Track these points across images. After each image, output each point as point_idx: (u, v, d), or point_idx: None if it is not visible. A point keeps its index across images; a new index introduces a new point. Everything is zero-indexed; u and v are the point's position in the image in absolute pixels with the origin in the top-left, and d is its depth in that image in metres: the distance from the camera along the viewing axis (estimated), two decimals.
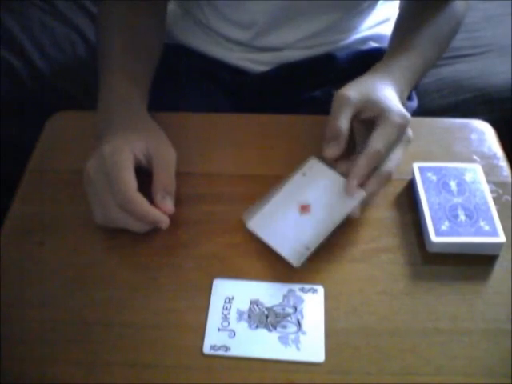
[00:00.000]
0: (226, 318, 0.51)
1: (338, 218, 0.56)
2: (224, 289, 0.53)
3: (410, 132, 0.59)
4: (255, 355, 0.49)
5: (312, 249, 0.55)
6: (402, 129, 0.57)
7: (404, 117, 0.57)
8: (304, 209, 0.57)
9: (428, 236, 0.55)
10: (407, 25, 0.71)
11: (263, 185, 0.61)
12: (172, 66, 0.82)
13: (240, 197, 0.61)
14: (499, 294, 0.53)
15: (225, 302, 0.52)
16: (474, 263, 0.55)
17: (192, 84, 0.80)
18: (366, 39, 0.82)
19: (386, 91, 0.60)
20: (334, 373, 0.48)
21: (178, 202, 0.59)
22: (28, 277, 0.55)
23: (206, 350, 0.49)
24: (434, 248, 0.55)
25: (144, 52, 0.69)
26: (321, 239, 0.55)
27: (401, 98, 0.61)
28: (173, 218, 0.58)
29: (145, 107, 0.64)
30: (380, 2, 0.82)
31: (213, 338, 0.50)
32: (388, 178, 0.57)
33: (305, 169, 0.59)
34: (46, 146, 0.67)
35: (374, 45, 0.83)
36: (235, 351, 0.49)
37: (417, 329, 0.51)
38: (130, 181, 0.54)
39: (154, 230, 0.57)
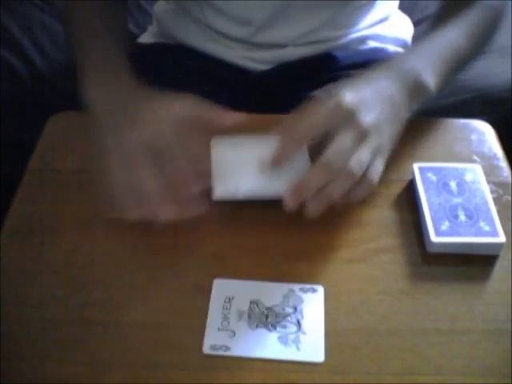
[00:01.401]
0: (225, 317, 0.51)
1: (283, 189, 0.53)
2: (224, 289, 0.53)
3: (383, 140, 0.55)
4: (255, 355, 0.49)
5: (239, 195, 0.55)
6: (329, 107, 0.54)
7: (336, 99, 0.54)
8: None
9: (428, 236, 0.55)
10: (433, 24, 0.70)
11: None
12: (172, 66, 0.82)
13: None
14: (499, 294, 0.53)
15: (225, 301, 0.52)
16: (474, 263, 0.55)
17: (192, 83, 0.80)
18: (364, 38, 0.82)
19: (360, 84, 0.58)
20: (334, 373, 0.48)
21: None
22: (28, 276, 0.55)
23: (206, 349, 0.49)
24: (434, 248, 0.55)
25: (118, 36, 0.70)
26: (254, 194, 0.56)
27: (415, 89, 0.59)
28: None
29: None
30: (378, 2, 0.82)
31: (213, 338, 0.50)
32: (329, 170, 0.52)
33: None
34: (46, 145, 0.67)
35: (373, 44, 0.83)
36: (235, 351, 0.49)
37: (417, 329, 0.51)
38: (176, 145, 0.55)
39: (154, 230, 0.57)
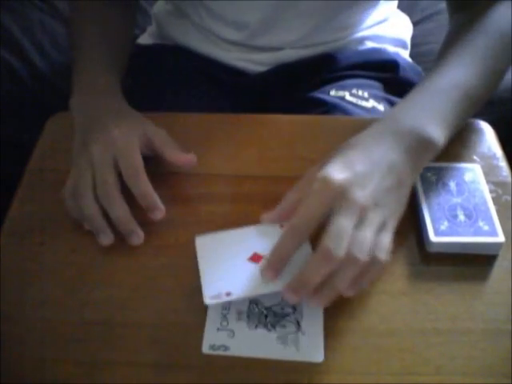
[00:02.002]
0: (225, 317, 0.51)
1: (280, 284, 0.49)
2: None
3: (385, 214, 0.50)
4: (254, 355, 0.49)
5: (233, 297, 0.50)
6: (321, 192, 0.48)
7: (324, 179, 0.48)
8: (255, 258, 0.52)
9: (427, 236, 0.55)
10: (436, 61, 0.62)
11: (262, 185, 0.61)
12: (171, 67, 0.82)
13: (239, 197, 0.61)
14: (499, 294, 0.53)
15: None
16: (473, 263, 0.55)
17: (191, 85, 0.80)
18: (363, 39, 0.82)
19: (354, 145, 0.52)
20: (334, 373, 0.48)
21: (177, 202, 0.60)
22: (28, 277, 0.55)
23: (205, 349, 0.49)
24: (434, 248, 0.55)
25: (118, 49, 0.71)
26: (248, 294, 0.50)
27: (417, 142, 0.52)
28: (172, 218, 0.58)
29: (123, 97, 0.66)
30: (379, 3, 0.82)
31: (212, 338, 0.50)
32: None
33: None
34: (46, 145, 0.67)
35: (372, 45, 0.83)
36: (234, 351, 0.49)
37: (416, 329, 0.51)
38: (141, 160, 0.57)
39: (154, 230, 0.57)
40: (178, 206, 0.59)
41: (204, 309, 0.51)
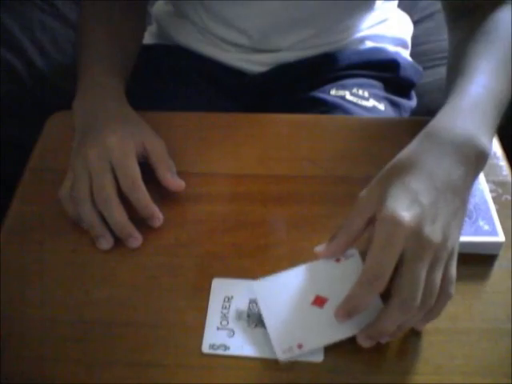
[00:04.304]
0: (225, 317, 0.51)
1: (350, 329, 0.48)
2: (223, 288, 0.53)
3: (454, 243, 0.47)
4: (254, 354, 0.49)
5: (306, 350, 0.48)
6: (394, 236, 0.44)
7: (393, 219, 0.44)
8: (319, 301, 0.49)
9: None
10: (454, 63, 0.61)
11: (262, 185, 0.61)
12: (171, 67, 0.82)
13: (239, 197, 0.61)
14: (498, 294, 0.53)
15: (224, 301, 0.52)
16: (473, 263, 0.55)
17: (191, 85, 0.80)
18: (363, 39, 0.82)
19: (407, 177, 0.47)
20: (334, 372, 0.48)
21: (177, 201, 0.60)
22: (28, 276, 0.55)
23: (205, 349, 0.49)
24: None
25: (124, 51, 0.70)
26: (321, 344, 0.48)
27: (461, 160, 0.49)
28: (172, 218, 0.58)
29: (126, 101, 0.65)
30: (378, 4, 0.82)
31: (212, 337, 0.50)
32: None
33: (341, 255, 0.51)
34: (46, 145, 0.67)
35: (372, 44, 0.83)
36: (234, 350, 0.49)
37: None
38: (138, 170, 0.57)
39: (154, 230, 0.57)
40: (177, 206, 0.59)
41: (204, 308, 0.51)
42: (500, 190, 0.61)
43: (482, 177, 0.60)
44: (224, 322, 0.51)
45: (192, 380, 0.48)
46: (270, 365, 0.48)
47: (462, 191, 0.48)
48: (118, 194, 0.56)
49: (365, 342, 0.48)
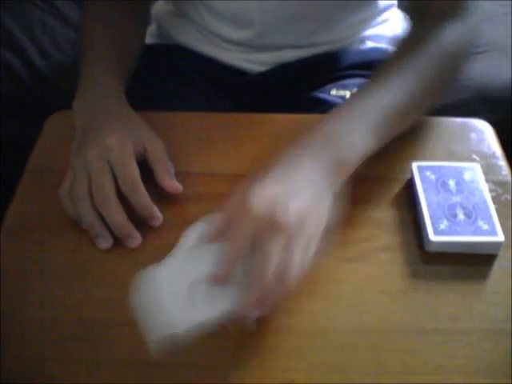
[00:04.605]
0: None
1: (223, 304, 0.47)
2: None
3: (303, 226, 0.49)
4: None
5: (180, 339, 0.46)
6: (236, 218, 0.48)
7: (239, 202, 0.49)
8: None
9: (427, 235, 0.55)
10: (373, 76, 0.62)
11: None
12: (171, 67, 0.82)
13: None
14: (498, 294, 0.53)
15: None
16: (472, 262, 0.55)
17: (191, 84, 0.80)
18: (364, 39, 0.82)
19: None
20: (333, 372, 0.48)
21: (176, 201, 0.60)
22: (28, 276, 0.55)
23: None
24: (433, 247, 0.55)
25: (125, 51, 0.71)
26: (195, 322, 0.47)
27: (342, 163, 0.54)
28: (172, 218, 0.58)
29: (126, 101, 0.66)
30: (379, 4, 0.82)
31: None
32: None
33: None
34: (45, 145, 0.67)
35: (372, 44, 0.83)
36: None
37: (415, 328, 0.51)
38: (137, 170, 0.57)
39: (153, 230, 0.57)
40: (177, 205, 0.59)
41: None
42: (499, 190, 0.61)
43: (481, 176, 0.60)
44: None
45: (192, 380, 0.48)
46: (269, 365, 0.48)
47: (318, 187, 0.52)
48: (118, 194, 0.56)
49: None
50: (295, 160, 0.53)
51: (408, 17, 0.69)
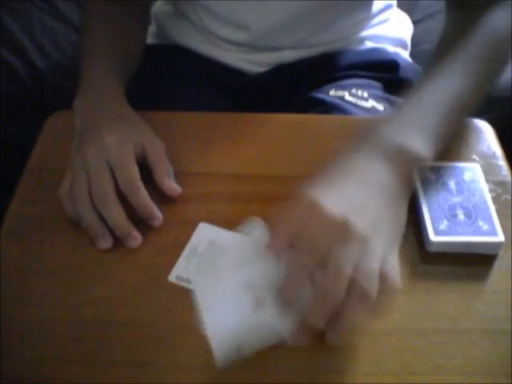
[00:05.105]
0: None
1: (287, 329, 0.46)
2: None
3: (386, 237, 0.48)
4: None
5: (245, 354, 0.46)
6: (320, 232, 0.46)
7: (322, 214, 0.46)
8: (257, 303, 0.47)
9: (427, 235, 0.55)
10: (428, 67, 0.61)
11: (262, 184, 0.61)
12: (171, 67, 0.82)
13: (238, 196, 0.61)
14: (498, 294, 0.53)
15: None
16: (472, 263, 0.55)
17: (191, 84, 0.80)
18: (363, 39, 0.82)
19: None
20: (333, 372, 0.48)
21: (176, 201, 0.60)
22: (27, 276, 0.55)
23: (172, 278, 0.53)
24: (433, 247, 0.55)
25: (125, 51, 0.71)
26: (259, 347, 0.47)
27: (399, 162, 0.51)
28: (172, 218, 0.58)
29: (127, 101, 0.66)
30: (378, 4, 0.82)
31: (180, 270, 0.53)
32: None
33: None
34: (45, 145, 0.67)
35: (371, 45, 0.83)
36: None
37: (415, 328, 0.51)
38: (137, 170, 0.57)
39: (153, 229, 0.57)
40: (177, 205, 0.59)
41: None
42: (499, 190, 0.61)
43: (481, 176, 0.60)
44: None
45: (192, 380, 0.48)
46: (269, 365, 0.48)
47: (388, 188, 0.50)
48: (118, 194, 0.56)
49: (293, 340, 0.46)
50: (367, 161, 0.51)
51: (448, 6, 0.68)
